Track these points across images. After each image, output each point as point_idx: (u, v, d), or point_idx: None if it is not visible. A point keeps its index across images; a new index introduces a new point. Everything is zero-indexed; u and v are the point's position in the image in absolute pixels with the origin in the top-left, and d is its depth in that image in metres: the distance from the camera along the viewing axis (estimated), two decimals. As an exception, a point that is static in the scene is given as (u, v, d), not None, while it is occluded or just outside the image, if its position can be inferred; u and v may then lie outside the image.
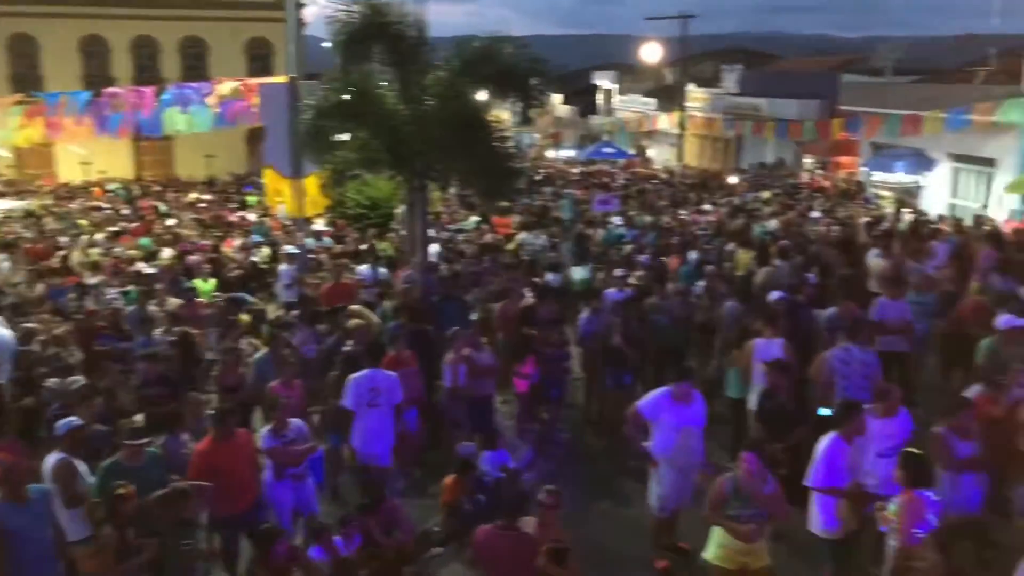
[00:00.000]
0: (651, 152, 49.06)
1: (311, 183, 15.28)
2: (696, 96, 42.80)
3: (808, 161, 35.07)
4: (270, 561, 6.46)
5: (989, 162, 23.66)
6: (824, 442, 6.79)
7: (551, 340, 10.48)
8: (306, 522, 7.85)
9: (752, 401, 9.00)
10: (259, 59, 40.55)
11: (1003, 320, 9.51)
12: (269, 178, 16.39)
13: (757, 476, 6.25)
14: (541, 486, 6.34)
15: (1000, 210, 21.68)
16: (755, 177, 32.17)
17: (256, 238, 19.20)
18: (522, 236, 18.43)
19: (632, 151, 46.45)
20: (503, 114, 14.98)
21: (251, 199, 26.66)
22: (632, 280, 12.84)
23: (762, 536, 6.34)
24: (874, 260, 13.58)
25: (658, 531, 7.88)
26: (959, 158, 25.07)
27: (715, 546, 6.46)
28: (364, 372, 8.64)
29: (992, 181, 23.56)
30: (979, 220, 18.90)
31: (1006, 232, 16.94)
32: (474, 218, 21.17)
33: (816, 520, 6.85)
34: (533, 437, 10.30)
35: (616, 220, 19.85)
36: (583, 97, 61.11)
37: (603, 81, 60.11)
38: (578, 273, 14.53)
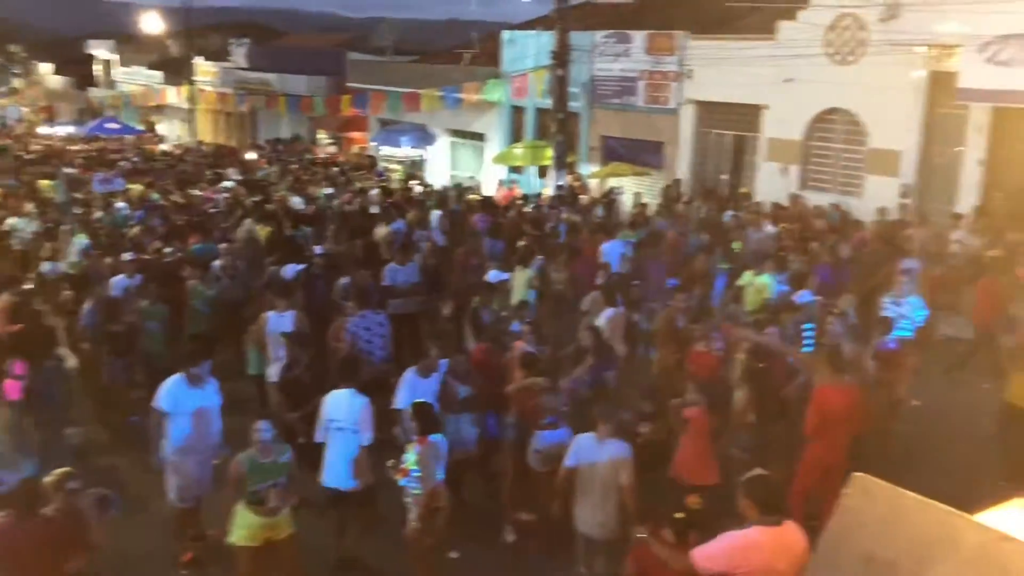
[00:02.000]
0: (162, 128, 46.32)
1: None
2: (205, 70, 41.29)
3: (323, 136, 36.00)
4: None
5: (480, 136, 26.46)
6: (356, 406, 7.01)
7: (44, 337, 9.39)
8: None
9: (271, 374, 8.97)
10: None
11: (491, 275, 10.74)
12: None
13: (270, 445, 6.27)
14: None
15: (491, 179, 24.42)
16: (272, 152, 32.14)
17: None
18: (12, 222, 16.22)
19: (140, 127, 43.45)
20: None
21: None
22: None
23: (283, 507, 6.37)
24: (382, 229, 14.35)
25: (181, 523, 7.51)
26: (456, 133, 27.69)
27: (238, 527, 6.37)
28: None
29: (483, 153, 26.42)
30: (461, 189, 20.98)
31: (497, 198, 19.11)
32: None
33: (333, 477, 7.06)
34: (34, 446, 9.17)
35: (120, 202, 18.36)
36: (78, 67, 55.53)
37: (100, 51, 55.12)
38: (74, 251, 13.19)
